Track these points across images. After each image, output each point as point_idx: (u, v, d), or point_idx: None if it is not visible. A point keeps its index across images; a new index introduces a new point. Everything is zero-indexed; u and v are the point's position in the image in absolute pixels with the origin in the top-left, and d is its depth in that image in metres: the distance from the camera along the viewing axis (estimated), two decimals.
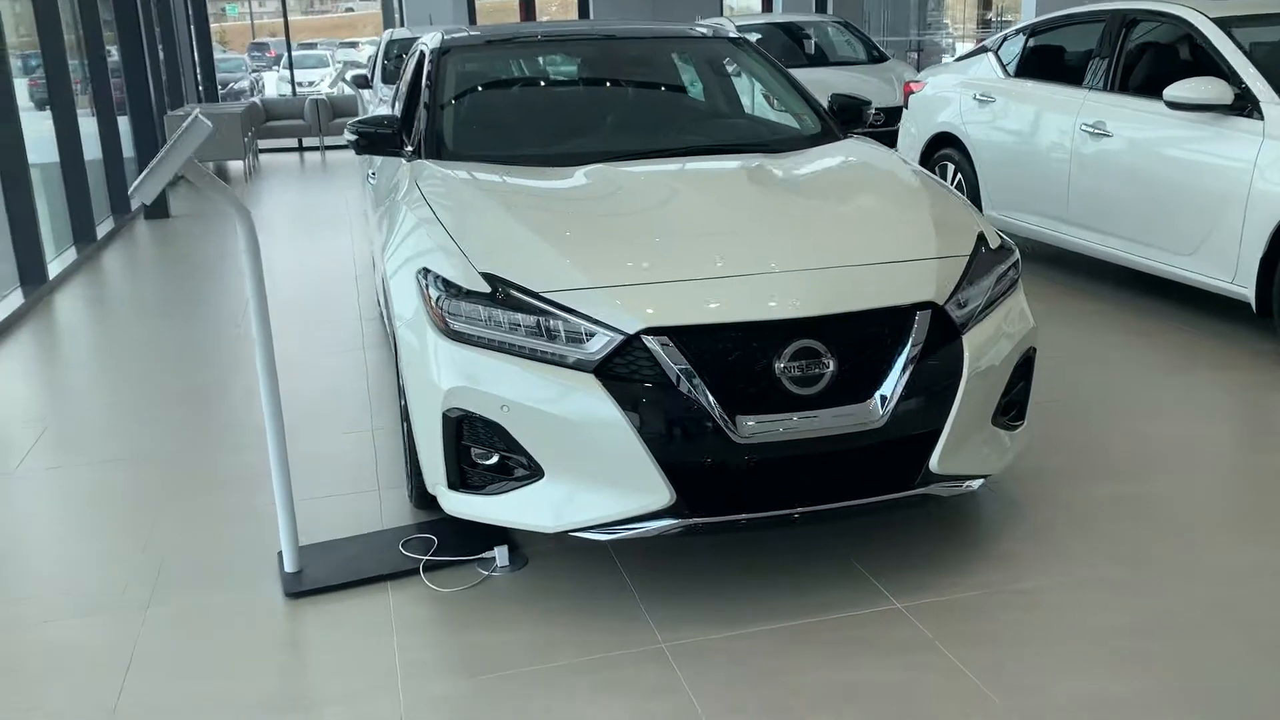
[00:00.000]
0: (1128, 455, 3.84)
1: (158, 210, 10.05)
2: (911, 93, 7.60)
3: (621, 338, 2.76)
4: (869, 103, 4.50)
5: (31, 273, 7.05)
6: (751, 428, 2.76)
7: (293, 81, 17.13)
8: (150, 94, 10.00)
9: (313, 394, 4.79)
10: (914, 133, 7.47)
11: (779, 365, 2.77)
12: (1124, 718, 2.44)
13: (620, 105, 4.39)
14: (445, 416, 2.92)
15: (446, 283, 2.98)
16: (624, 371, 2.77)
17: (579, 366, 2.78)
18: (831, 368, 2.81)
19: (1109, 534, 3.27)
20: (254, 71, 30.94)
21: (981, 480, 3.10)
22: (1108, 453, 3.87)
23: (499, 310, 2.87)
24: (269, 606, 3.02)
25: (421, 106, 4.18)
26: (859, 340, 2.86)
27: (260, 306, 3.00)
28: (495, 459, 2.92)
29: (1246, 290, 4.86)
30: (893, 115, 8.39)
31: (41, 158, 8.38)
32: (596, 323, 2.79)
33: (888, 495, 2.93)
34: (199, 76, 15.67)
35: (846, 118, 4.44)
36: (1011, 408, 3.29)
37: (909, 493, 2.95)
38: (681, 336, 2.77)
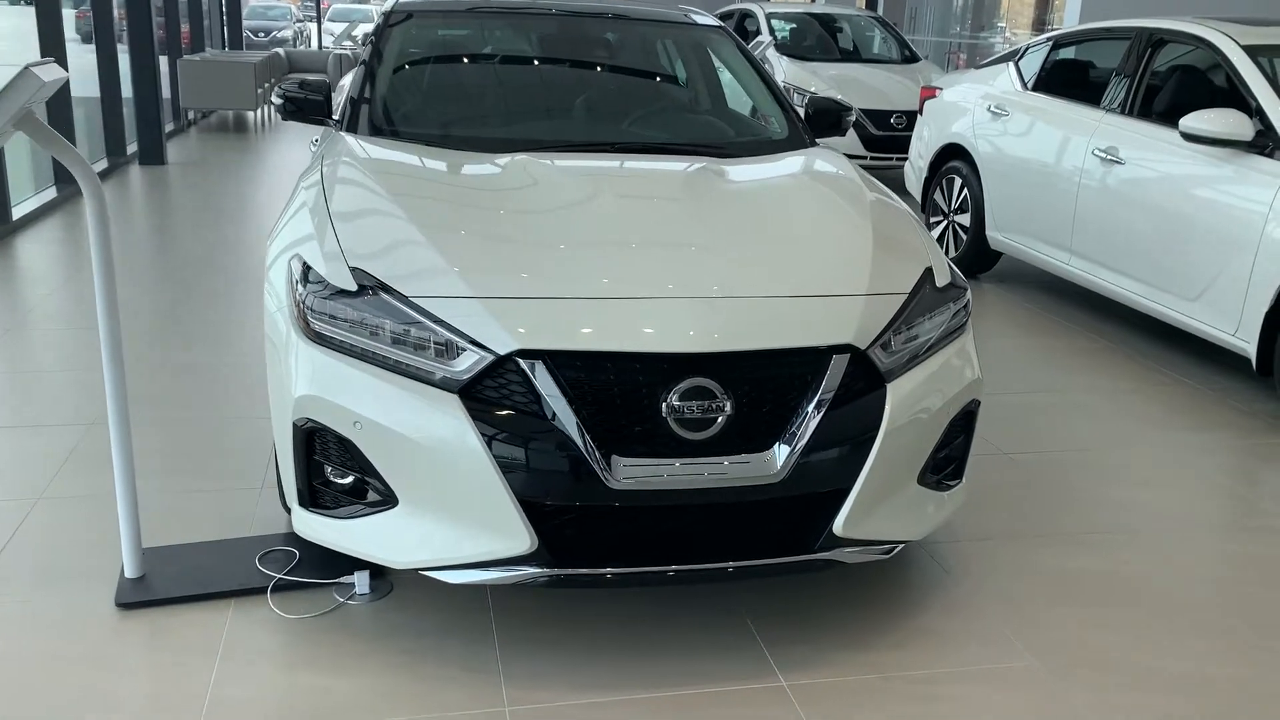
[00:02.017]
0: (1089, 523, 3.47)
1: (153, 156, 9.81)
2: (927, 98, 7.19)
3: (492, 358, 2.44)
4: (849, 109, 4.15)
5: None
6: (628, 472, 2.43)
7: (319, 35, 16.85)
8: (152, 35, 9.72)
9: (229, 369, 4.50)
10: (925, 140, 7.07)
11: (665, 404, 2.44)
12: None
13: (572, 90, 4.05)
14: (295, 427, 2.61)
15: (314, 276, 2.67)
16: (493, 396, 2.45)
17: (444, 385, 2.46)
18: (727, 411, 2.47)
19: (1040, 617, 2.91)
20: (299, 22, 30.71)
21: (898, 546, 2.76)
22: (1068, 518, 3.50)
23: (364, 313, 2.55)
24: (94, 616, 2.73)
25: (357, 75, 3.87)
26: (761, 382, 2.51)
27: (105, 276, 2.68)
28: (350, 479, 2.61)
29: (1248, 345, 4.46)
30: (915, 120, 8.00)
31: None
32: (466, 338, 2.46)
33: (782, 559, 2.59)
34: (225, 22, 15.43)
35: (823, 123, 4.09)
36: (948, 464, 2.94)
37: (808, 557, 2.61)
38: (558, 362, 2.44)
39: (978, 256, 6.54)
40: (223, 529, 3.17)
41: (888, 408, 2.62)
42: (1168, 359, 5.19)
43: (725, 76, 4.51)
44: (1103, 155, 5.31)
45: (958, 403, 2.84)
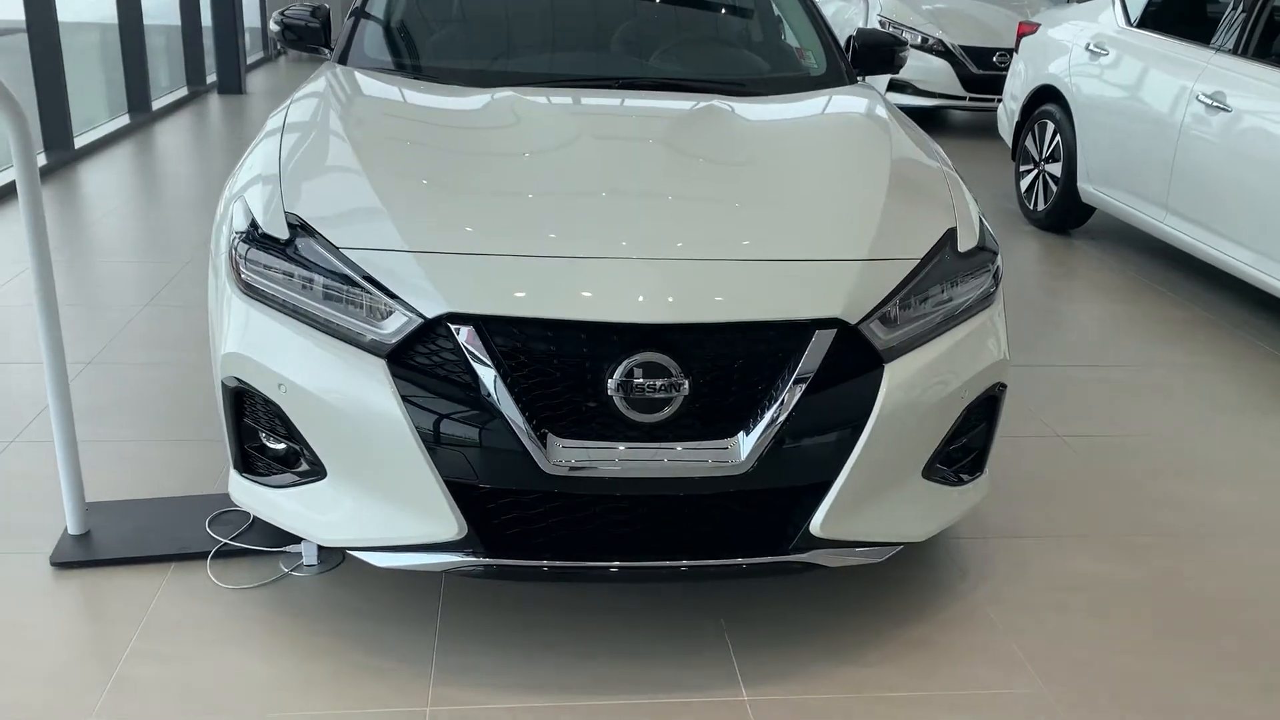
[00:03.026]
0: (1140, 523, 3.06)
1: (232, 85, 9.77)
2: (1025, 34, 6.60)
3: (420, 321, 2.17)
4: (903, 44, 3.71)
5: (58, 139, 6.80)
6: (566, 455, 2.15)
7: None
8: None
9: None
10: (1019, 80, 6.50)
11: (612, 381, 2.14)
12: None
13: (593, 20, 3.69)
14: (224, 386, 2.40)
15: (253, 221, 2.44)
16: (424, 363, 2.19)
17: (372, 349, 2.20)
18: (684, 391, 2.15)
19: (1060, 635, 2.54)
20: None
21: (894, 548, 2.42)
22: (1117, 516, 3.09)
23: (295, 263, 2.31)
24: (28, 575, 2.59)
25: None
26: (726, 359, 2.19)
27: (32, 207, 2.49)
28: (282, 446, 2.39)
29: None
30: None
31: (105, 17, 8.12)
32: (395, 298, 2.20)
33: (748, 559, 2.28)
34: None
35: (873, 59, 3.67)
36: (965, 455, 2.58)
37: (779, 559, 2.29)
38: (492, 328, 2.16)
39: (1068, 210, 5.99)
40: (189, 483, 3.00)
41: (883, 391, 2.27)
42: (1269, 334, 4.64)
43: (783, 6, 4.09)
44: (1207, 101, 4.72)
45: (977, 386, 2.47)
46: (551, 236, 2.28)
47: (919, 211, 2.57)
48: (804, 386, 2.19)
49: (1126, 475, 3.33)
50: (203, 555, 2.68)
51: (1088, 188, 5.71)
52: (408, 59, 3.39)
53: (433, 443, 2.15)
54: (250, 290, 2.36)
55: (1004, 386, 2.57)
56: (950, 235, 2.52)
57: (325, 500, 2.32)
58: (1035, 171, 6.24)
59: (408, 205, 2.38)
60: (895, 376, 2.29)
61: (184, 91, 9.45)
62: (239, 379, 2.35)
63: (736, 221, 2.40)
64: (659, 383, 2.13)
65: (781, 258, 2.30)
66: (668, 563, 2.24)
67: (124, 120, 7.97)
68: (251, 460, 2.45)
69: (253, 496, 2.45)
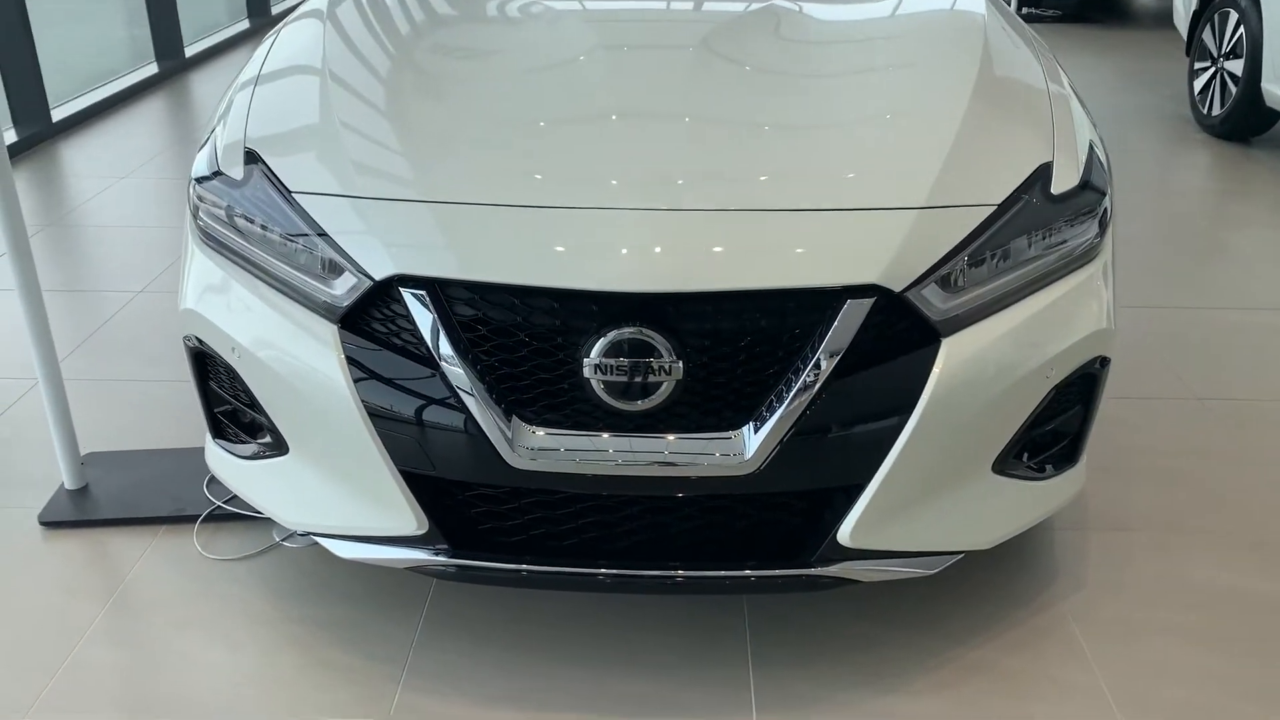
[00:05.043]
0: None
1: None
2: None
3: (369, 284, 1.84)
4: None
5: (168, 48, 6.72)
6: (536, 447, 1.80)
7: None
8: None
9: None
10: None
11: (588, 361, 1.77)
12: None
13: None
14: (185, 344, 2.14)
15: (213, 154, 2.15)
16: (381, 331, 1.87)
17: (326, 313, 1.90)
18: (678, 374, 1.76)
19: (1158, 668, 2.07)
20: None
21: (949, 559, 2.00)
22: (1259, 510, 2.55)
23: (250, 209, 2.01)
24: (14, 535, 2.44)
25: None
26: (730, 336, 1.78)
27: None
28: (249, 415, 2.14)
29: None
30: None
31: None
32: (344, 254, 1.87)
33: (757, 572, 1.90)
34: None
35: None
36: (1054, 441, 2.11)
37: (797, 572, 1.91)
38: (450, 294, 1.81)
39: (1249, 115, 5.16)
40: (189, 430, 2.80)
41: (936, 371, 1.82)
42: None
43: None
44: None
45: (1069, 362, 1.99)
46: (528, 178, 1.91)
47: (1005, 142, 2.07)
48: (830, 369, 1.77)
49: (1275, 452, 2.76)
50: (194, 518, 2.48)
51: (1274, 90, 4.88)
52: None
53: (384, 424, 1.84)
54: (208, 239, 2.08)
55: (1106, 361, 2.07)
56: (1043, 172, 2.01)
57: (288, 478, 2.06)
58: (1212, 70, 5.39)
59: (367, 138, 2.04)
60: (955, 353, 1.84)
61: (244, 24, 9.22)
62: (199, 339, 2.09)
63: (758, 154, 1.97)
64: (644, 363, 1.75)
65: (809, 206, 1.85)
66: (661, 572, 1.89)
67: (243, 25, 7.85)
68: (223, 426, 2.21)
69: (225, 466, 2.21)
